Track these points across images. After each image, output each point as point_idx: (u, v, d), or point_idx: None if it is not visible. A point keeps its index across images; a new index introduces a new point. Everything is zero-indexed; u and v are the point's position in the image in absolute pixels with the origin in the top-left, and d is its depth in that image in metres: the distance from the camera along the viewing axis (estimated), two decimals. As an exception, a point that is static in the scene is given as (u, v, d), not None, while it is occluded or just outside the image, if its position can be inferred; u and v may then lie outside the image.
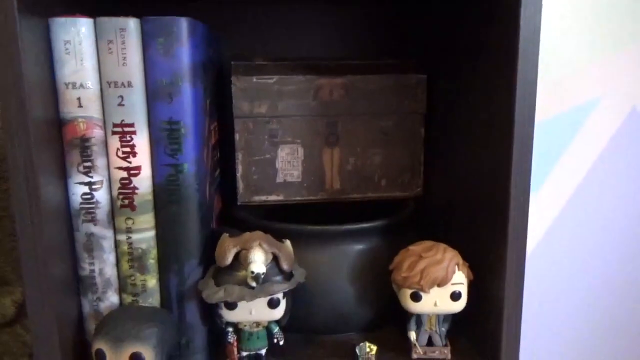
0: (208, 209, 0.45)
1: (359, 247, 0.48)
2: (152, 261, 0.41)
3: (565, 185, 0.77)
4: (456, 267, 0.43)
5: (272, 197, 0.54)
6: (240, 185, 0.53)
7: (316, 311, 0.47)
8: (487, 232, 0.44)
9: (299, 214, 0.54)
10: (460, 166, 0.50)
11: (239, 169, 0.52)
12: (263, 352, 0.43)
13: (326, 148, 0.54)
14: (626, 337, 0.83)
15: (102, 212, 0.39)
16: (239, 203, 0.53)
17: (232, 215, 0.53)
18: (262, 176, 0.53)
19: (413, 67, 0.55)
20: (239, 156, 0.52)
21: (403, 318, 0.46)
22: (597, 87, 0.74)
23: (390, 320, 0.50)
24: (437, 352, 0.45)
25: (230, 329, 0.42)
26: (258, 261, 0.39)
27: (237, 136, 0.52)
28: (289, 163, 0.53)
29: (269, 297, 0.41)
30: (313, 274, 0.46)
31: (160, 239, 0.41)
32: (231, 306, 0.40)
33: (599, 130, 0.75)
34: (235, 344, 0.42)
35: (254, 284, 0.39)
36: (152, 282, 0.41)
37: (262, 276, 0.39)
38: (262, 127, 0.52)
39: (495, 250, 0.43)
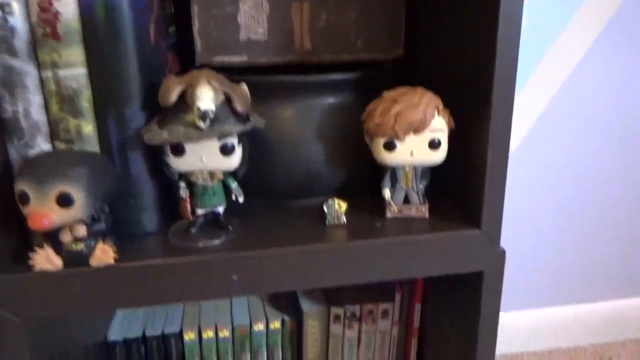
0: (153, 54, 0.40)
1: (329, 101, 0.43)
2: (86, 104, 0.35)
3: (560, 68, 0.71)
4: (435, 111, 0.38)
5: (235, 58, 0.48)
6: (198, 42, 0.47)
7: (282, 171, 0.43)
8: (472, 90, 0.39)
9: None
10: (444, 30, 0.45)
11: (196, 24, 0.46)
12: (220, 210, 0.39)
13: (295, 1, 0.47)
14: (607, 228, 0.80)
15: (20, 41, 0.34)
16: (197, 64, 0.47)
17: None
18: (223, 33, 0.47)
19: None
20: (195, 9, 0.46)
21: (378, 182, 0.42)
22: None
23: (363, 184, 0.45)
24: (413, 209, 0.41)
25: (183, 184, 0.38)
26: (205, 98, 0.34)
27: (191, -16, 0.45)
28: (252, 18, 0.47)
29: (222, 143, 0.36)
30: (279, 131, 0.42)
31: (94, 77, 0.35)
32: (178, 151, 0.36)
33: (598, 7, 0.69)
34: (188, 200, 0.38)
35: (202, 123, 0.34)
36: (88, 127, 0.36)
37: (211, 115, 0.34)
38: (220, -26, 0.45)
39: (479, 98, 0.38)
